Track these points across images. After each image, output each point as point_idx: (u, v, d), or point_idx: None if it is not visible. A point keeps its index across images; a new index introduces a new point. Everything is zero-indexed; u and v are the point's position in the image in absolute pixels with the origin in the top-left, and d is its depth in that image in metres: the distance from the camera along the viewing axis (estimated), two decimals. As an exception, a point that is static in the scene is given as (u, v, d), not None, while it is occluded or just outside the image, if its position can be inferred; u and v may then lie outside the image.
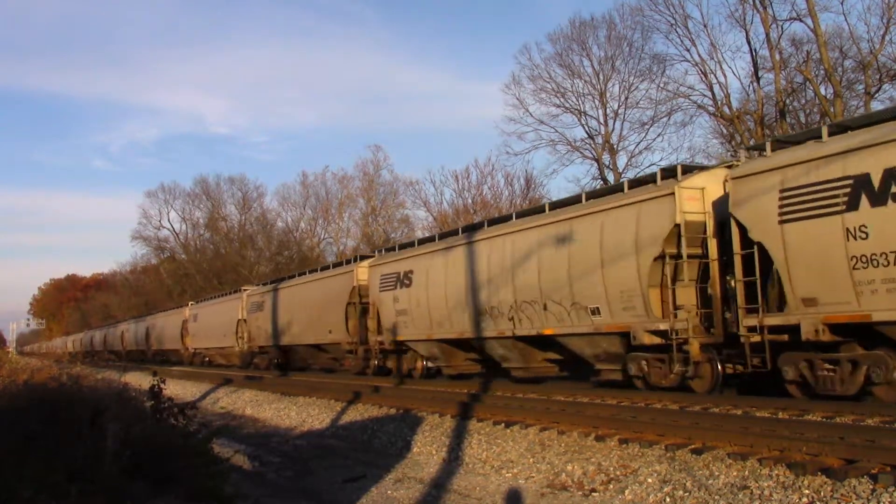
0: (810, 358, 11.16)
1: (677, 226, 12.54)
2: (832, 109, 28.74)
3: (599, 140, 40.07)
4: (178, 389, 24.19)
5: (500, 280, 16.47)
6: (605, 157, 39.61)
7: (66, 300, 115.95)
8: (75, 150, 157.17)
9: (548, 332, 15.29)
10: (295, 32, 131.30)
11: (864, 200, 10.21)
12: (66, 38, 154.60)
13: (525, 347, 16.56)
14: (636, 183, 14.37)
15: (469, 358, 19.41)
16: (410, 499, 8.40)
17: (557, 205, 16.10)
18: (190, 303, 45.01)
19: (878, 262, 9.98)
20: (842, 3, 32.01)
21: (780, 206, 11.11)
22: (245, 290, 34.49)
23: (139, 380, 21.39)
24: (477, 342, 17.75)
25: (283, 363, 30.54)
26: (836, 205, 10.44)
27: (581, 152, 40.64)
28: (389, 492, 8.75)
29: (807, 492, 6.55)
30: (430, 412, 13.14)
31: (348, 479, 9.50)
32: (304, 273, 29.11)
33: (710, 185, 12.84)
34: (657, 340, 12.99)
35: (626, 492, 7.63)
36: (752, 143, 28.66)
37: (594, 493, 7.83)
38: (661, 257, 12.85)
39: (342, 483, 9.39)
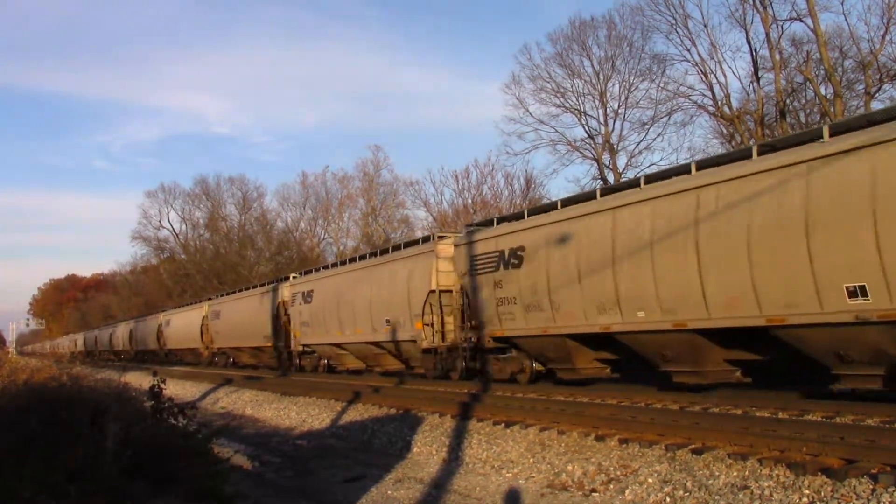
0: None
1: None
2: (832, 109, 28.73)
3: (599, 140, 40.09)
4: (178, 389, 24.19)
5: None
6: (605, 157, 39.63)
7: (65, 300, 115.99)
8: (76, 150, 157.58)
9: None
10: (296, 33, 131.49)
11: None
12: (67, 38, 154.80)
13: None
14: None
15: None
16: (410, 499, 8.40)
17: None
18: (292, 276, 29.29)
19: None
20: (842, 3, 32.08)
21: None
22: (445, 237, 19.83)
23: (139, 380, 21.39)
24: None
25: (545, 372, 17.38)
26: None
27: (581, 152, 40.66)
28: (389, 492, 8.75)
29: (807, 492, 6.55)
30: (430, 412, 13.13)
31: (348, 479, 9.50)
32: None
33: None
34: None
35: (627, 492, 7.63)
36: (751, 142, 28.66)
37: (594, 493, 7.83)
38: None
39: (342, 483, 9.39)
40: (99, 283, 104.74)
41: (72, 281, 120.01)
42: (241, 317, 32.79)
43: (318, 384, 21.09)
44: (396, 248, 22.11)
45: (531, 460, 9.31)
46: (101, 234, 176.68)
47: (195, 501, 6.24)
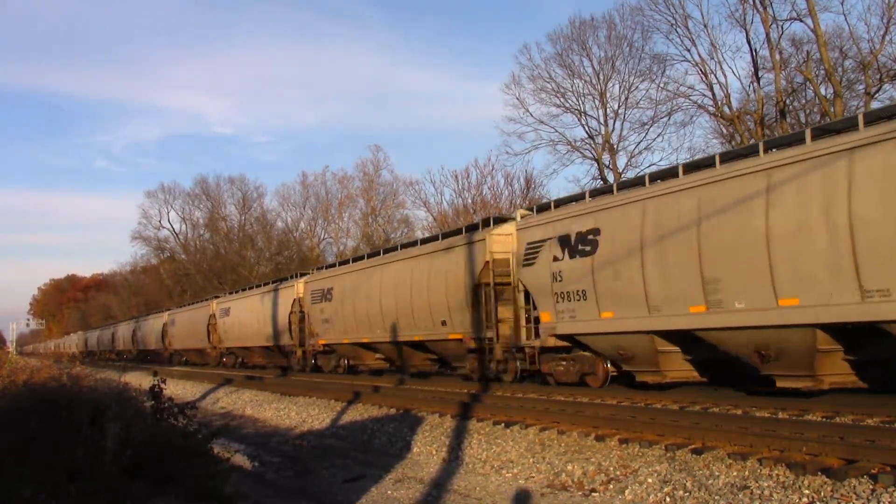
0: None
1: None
2: (832, 109, 28.72)
3: (599, 140, 40.08)
4: (178, 389, 24.20)
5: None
6: (605, 157, 39.62)
7: (66, 300, 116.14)
8: (78, 149, 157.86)
9: None
10: (297, 33, 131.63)
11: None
12: (69, 38, 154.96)
13: None
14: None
15: None
16: (410, 499, 8.40)
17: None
18: (519, 213, 17.00)
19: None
20: (842, 3, 32.07)
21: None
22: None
23: (139, 380, 21.39)
24: None
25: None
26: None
27: (581, 152, 40.66)
28: (389, 492, 8.75)
29: (807, 492, 6.55)
30: (430, 412, 13.13)
31: (348, 479, 9.51)
32: None
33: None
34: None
35: (626, 492, 7.63)
36: (751, 141, 28.64)
37: (594, 493, 7.83)
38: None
39: (342, 483, 9.39)
40: (99, 283, 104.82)
41: (72, 281, 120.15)
42: (383, 295, 20.51)
43: (319, 384, 21.08)
44: None
45: (531, 460, 9.31)
46: (101, 234, 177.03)
47: (195, 501, 6.24)
